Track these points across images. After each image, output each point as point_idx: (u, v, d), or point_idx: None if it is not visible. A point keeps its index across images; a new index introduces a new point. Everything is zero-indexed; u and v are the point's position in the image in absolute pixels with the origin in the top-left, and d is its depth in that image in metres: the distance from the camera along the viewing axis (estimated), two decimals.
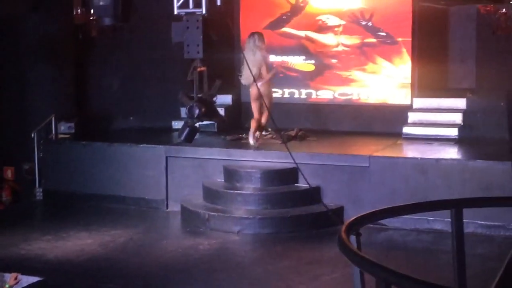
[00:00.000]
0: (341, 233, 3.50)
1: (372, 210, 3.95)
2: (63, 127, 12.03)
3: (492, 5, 10.03)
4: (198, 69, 6.86)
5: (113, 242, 9.27)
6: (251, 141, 10.93)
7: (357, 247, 3.62)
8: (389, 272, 3.01)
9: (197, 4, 6.79)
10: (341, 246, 3.41)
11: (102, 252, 8.85)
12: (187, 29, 6.77)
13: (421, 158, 9.83)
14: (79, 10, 12.36)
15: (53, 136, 11.91)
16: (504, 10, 10.50)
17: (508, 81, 10.29)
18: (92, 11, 7.94)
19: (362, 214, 3.81)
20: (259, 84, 10.35)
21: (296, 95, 12.81)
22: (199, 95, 6.94)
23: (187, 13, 6.79)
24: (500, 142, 10.06)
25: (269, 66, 11.09)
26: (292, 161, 9.03)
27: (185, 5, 6.83)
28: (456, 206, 4.18)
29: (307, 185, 9.43)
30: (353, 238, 3.66)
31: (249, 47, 10.73)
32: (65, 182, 11.52)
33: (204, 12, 6.72)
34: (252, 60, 10.50)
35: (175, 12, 6.87)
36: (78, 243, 9.21)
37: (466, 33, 11.96)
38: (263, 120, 11.05)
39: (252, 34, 10.94)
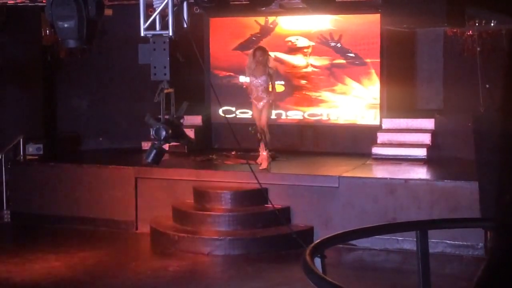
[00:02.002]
0: (305, 256, 3.50)
1: (336, 233, 3.96)
2: (31, 148, 11.93)
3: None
4: (165, 91, 6.85)
5: (81, 264, 9.18)
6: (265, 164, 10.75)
7: (322, 269, 3.62)
8: None
9: (164, 26, 6.80)
10: (305, 269, 3.40)
11: (70, 275, 8.76)
12: (153, 51, 6.77)
13: (390, 178, 9.89)
14: (47, 31, 12.32)
15: (21, 158, 11.81)
16: (470, 32, 10.63)
17: (474, 101, 10.39)
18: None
19: (326, 236, 3.82)
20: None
21: None
22: (166, 117, 6.93)
23: (154, 35, 6.80)
24: (468, 162, 10.13)
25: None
26: (262, 182, 9.02)
27: (152, 27, 6.83)
28: (421, 228, 4.20)
29: (277, 207, 9.46)
30: (318, 260, 3.66)
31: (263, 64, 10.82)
32: (33, 204, 11.41)
33: (171, 34, 6.73)
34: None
35: (142, 34, 6.87)
36: (45, 265, 9.11)
37: (433, 54, 12.08)
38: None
39: (254, 52, 10.94)
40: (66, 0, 6.44)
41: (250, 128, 10.82)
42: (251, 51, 11.07)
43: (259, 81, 10.69)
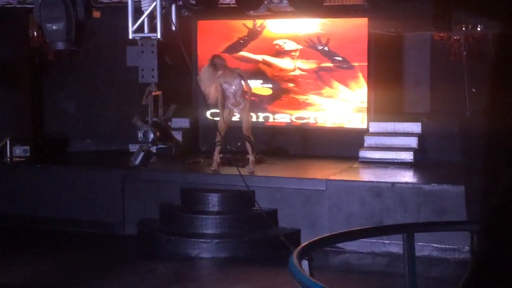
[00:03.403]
0: (292, 258, 3.52)
1: (323, 236, 3.98)
2: (18, 150, 11.89)
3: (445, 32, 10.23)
4: (153, 93, 6.87)
5: (68, 266, 9.16)
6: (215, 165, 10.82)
7: (309, 271, 3.64)
8: None
9: (152, 29, 6.82)
10: (293, 272, 3.42)
11: (57, 277, 8.74)
12: (142, 54, 6.79)
13: (377, 181, 9.91)
14: (35, 33, 12.29)
15: (8, 160, 11.77)
16: (457, 36, 10.70)
17: (461, 106, 10.45)
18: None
19: (314, 239, 3.84)
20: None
21: (254, 119, 12.83)
22: (154, 119, 6.95)
23: (142, 38, 6.82)
24: (455, 166, 10.20)
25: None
26: (250, 185, 9.04)
27: (140, 29, 6.85)
28: (407, 231, 4.23)
29: (264, 209, 9.48)
30: (305, 263, 3.68)
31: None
32: (20, 206, 11.36)
33: (159, 36, 6.75)
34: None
35: (130, 37, 6.88)
36: (32, 268, 9.07)
37: (420, 58, 12.14)
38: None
39: (212, 60, 10.65)
40: (55, 2, 6.45)
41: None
42: (206, 65, 10.70)
43: (234, 86, 10.58)
